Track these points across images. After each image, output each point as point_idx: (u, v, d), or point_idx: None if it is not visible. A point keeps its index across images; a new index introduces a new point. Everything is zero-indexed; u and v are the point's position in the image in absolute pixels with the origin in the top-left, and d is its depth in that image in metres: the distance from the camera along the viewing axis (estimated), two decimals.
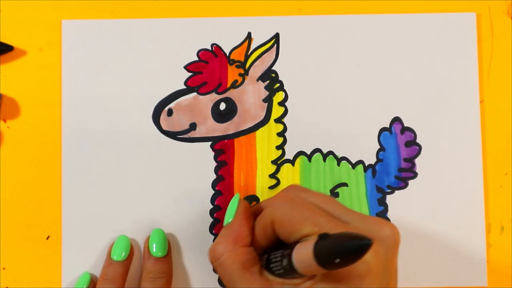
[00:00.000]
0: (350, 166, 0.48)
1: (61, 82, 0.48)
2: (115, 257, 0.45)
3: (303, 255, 0.33)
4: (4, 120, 0.48)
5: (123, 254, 0.45)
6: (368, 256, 0.33)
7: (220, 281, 0.47)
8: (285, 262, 0.35)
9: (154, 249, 0.45)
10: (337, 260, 0.30)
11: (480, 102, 0.48)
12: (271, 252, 0.38)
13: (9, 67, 0.48)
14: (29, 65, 0.48)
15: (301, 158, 0.48)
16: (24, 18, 0.48)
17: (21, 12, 0.48)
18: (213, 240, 0.47)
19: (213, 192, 0.47)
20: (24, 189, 0.47)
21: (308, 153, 0.48)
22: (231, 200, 0.41)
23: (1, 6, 0.48)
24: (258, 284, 0.36)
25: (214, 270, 0.47)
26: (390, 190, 0.48)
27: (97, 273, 0.47)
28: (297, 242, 0.35)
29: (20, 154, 0.47)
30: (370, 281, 0.34)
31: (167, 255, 0.46)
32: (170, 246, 0.47)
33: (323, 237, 0.31)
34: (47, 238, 0.47)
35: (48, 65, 0.48)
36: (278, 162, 0.48)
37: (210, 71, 0.48)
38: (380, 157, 0.48)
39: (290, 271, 0.35)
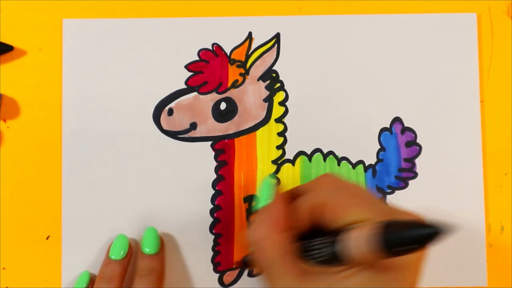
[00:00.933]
0: (351, 166, 0.48)
1: (61, 82, 0.48)
2: (113, 256, 0.45)
3: (362, 241, 0.32)
4: (4, 120, 0.48)
5: (121, 253, 0.45)
6: None
7: (220, 281, 0.47)
8: (328, 249, 0.34)
9: (145, 248, 0.45)
10: (403, 248, 0.29)
11: (480, 102, 0.48)
12: (306, 239, 0.37)
13: (9, 67, 0.48)
14: (29, 65, 0.48)
15: (302, 158, 0.48)
16: (24, 18, 0.48)
17: (21, 12, 0.48)
18: (213, 240, 0.47)
19: (213, 191, 0.47)
20: (24, 189, 0.47)
21: (309, 153, 0.48)
22: (263, 182, 0.40)
23: (1, 6, 0.48)
24: (297, 271, 0.35)
25: (218, 269, 0.47)
26: (390, 190, 0.48)
27: (97, 272, 0.47)
28: (339, 229, 0.35)
29: (20, 154, 0.47)
30: (411, 272, 0.34)
31: (158, 252, 0.46)
32: (163, 244, 0.47)
33: (386, 224, 0.31)
34: (47, 238, 0.47)
35: (48, 65, 0.48)
36: (279, 162, 0.48)
37: (210, 70, 0.48)
38: (380, 157, 0.48)
39: (331, 259, 0.34)
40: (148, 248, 0.45)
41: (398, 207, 0.36)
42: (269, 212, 0.38)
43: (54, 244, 0.47)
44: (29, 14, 0.48)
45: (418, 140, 0.48)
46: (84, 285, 0.46)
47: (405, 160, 0.48)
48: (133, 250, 0.47)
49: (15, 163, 0.47)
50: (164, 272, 0.47)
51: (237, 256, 0.47)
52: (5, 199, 0.47)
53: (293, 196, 0.39)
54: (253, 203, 0.47)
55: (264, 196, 0.39)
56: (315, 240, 0.36)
